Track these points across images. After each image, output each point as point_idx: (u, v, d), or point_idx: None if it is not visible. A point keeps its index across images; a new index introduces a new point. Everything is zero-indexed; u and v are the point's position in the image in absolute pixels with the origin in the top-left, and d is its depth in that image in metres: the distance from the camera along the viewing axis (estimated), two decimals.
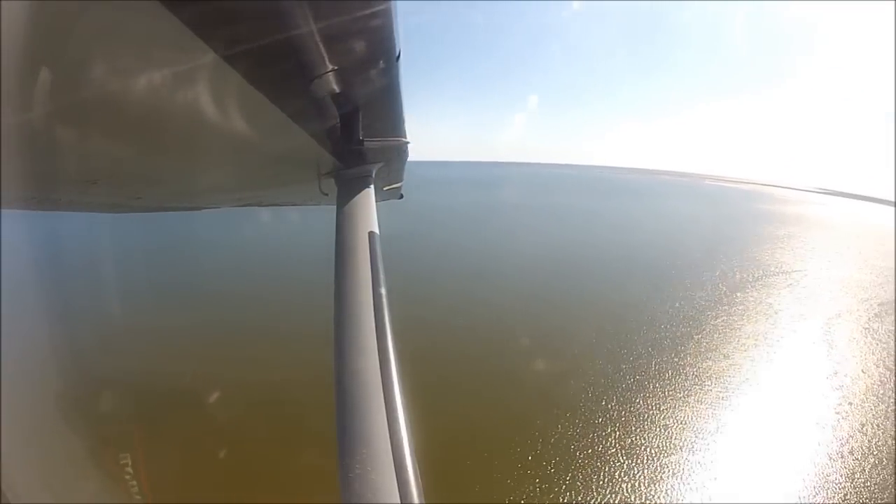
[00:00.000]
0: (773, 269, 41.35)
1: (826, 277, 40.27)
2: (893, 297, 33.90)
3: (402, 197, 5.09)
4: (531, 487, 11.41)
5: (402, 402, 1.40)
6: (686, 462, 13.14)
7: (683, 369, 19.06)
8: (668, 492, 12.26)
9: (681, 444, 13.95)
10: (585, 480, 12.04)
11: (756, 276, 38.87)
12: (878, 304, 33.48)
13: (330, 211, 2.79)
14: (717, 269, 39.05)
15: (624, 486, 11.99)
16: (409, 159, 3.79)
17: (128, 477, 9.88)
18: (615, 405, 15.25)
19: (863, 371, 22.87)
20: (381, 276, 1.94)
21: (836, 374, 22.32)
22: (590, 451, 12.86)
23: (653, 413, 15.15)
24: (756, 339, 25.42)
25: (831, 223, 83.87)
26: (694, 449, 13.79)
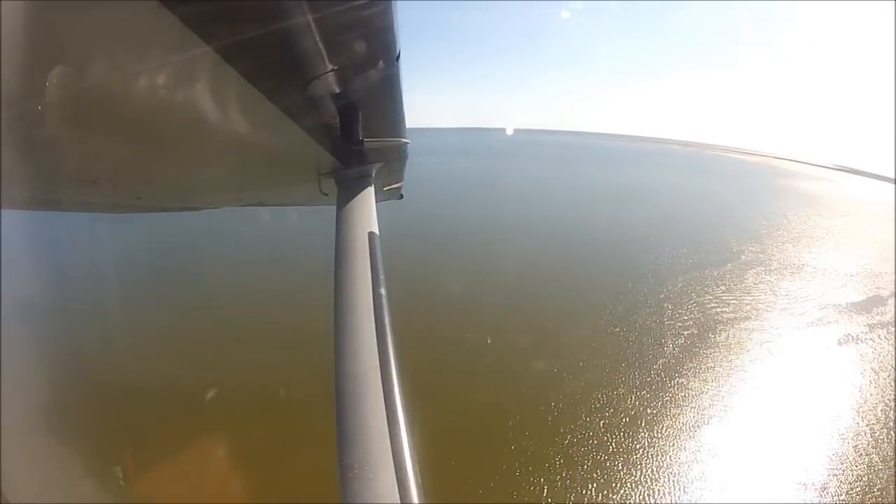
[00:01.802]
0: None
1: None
2: (894, 287, 27.48)
3: (402, 197, 5.09)
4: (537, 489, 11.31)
5: (402, 403, 1.40)
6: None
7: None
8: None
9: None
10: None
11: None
12: None
13: (330, 211, 2.80)
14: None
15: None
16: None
17: (127, 477, 9.91)
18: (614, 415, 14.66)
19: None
20: (381, 277, 1.95)
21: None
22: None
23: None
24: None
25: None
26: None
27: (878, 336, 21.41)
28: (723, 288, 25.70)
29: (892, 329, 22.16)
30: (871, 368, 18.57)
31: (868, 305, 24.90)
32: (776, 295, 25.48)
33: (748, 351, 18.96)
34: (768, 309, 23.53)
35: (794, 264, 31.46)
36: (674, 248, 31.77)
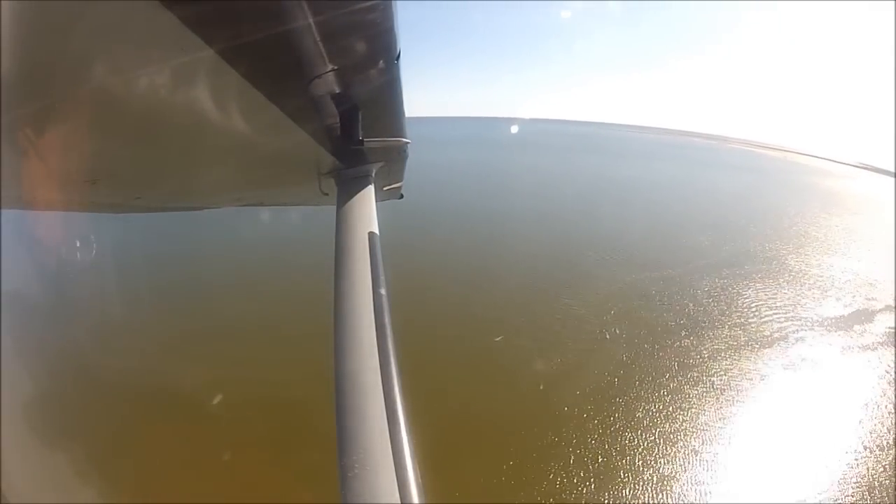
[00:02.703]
0: None
1: None
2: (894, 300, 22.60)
3: (402, 197, 5.09)
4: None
5: (402, 402, 1.40)
6: None
7: None
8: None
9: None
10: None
11: None
12: None
13: (330, 211, 2.80)
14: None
15: None
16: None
17: (127, 477, 9.91)
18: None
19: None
20: (381, 277, 1.95)
21: None
22: None
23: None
24: None
25: None
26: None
27: (852, 363, 16.72)
28: (665, 293, 20.91)
29: (873, 354, 17.26)
30: (827, 410, 13.76)
31: (850, 322, 20.08)
32: (730, 305, 20.56)
33: (660, 379, 14.46)
34: (713, 323, 18.62)
35: (771, 268, 26.04)
36: (641, 245, 27.80)
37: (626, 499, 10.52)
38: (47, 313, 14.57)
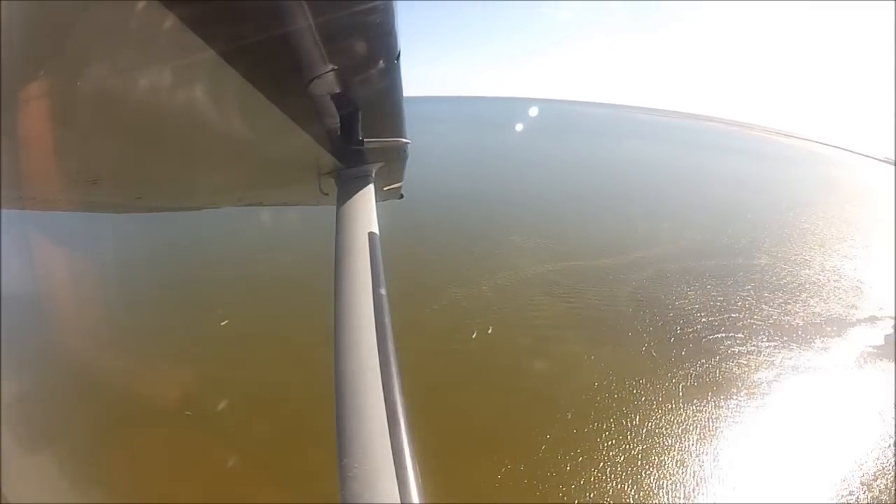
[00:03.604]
0: None
1: None
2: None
3: (402, 197, 5.09)
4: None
5: (402, 403, 1.40)
6: None
7: None
8: None
9: None
10: None
11: None
12: None
13: (330, 211, 2.80)
14: None
15: None
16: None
17: (126, 477, 9.91)
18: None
19: None
20: (381, 277, 1.95)
21: None
22: None
23: None
24: None
25: None
26: None
27: (817, 394, 12.86)
28: (575, 290, 17.16)
29: (857, 379, 13.70)
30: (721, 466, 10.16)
31: (813, 335, 15.82)
32: (649, 306, 16.34)
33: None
34: (631, 329, 14.83)
35: (738, 263, 21.92)
36: (581, 233, 24.65)
37: None
38: (47, 313, 14.57)
